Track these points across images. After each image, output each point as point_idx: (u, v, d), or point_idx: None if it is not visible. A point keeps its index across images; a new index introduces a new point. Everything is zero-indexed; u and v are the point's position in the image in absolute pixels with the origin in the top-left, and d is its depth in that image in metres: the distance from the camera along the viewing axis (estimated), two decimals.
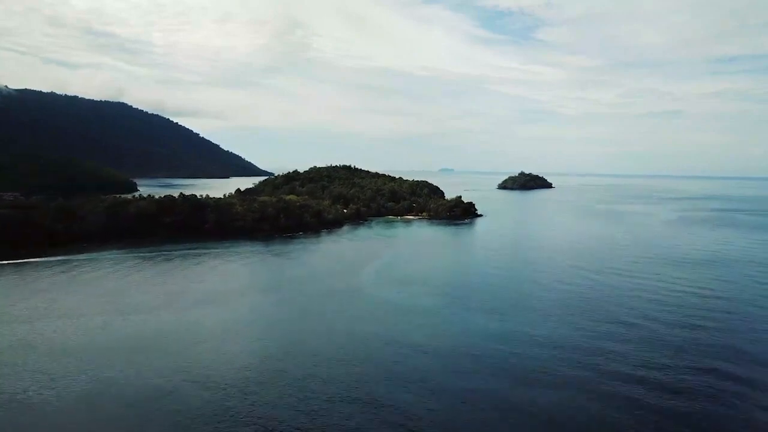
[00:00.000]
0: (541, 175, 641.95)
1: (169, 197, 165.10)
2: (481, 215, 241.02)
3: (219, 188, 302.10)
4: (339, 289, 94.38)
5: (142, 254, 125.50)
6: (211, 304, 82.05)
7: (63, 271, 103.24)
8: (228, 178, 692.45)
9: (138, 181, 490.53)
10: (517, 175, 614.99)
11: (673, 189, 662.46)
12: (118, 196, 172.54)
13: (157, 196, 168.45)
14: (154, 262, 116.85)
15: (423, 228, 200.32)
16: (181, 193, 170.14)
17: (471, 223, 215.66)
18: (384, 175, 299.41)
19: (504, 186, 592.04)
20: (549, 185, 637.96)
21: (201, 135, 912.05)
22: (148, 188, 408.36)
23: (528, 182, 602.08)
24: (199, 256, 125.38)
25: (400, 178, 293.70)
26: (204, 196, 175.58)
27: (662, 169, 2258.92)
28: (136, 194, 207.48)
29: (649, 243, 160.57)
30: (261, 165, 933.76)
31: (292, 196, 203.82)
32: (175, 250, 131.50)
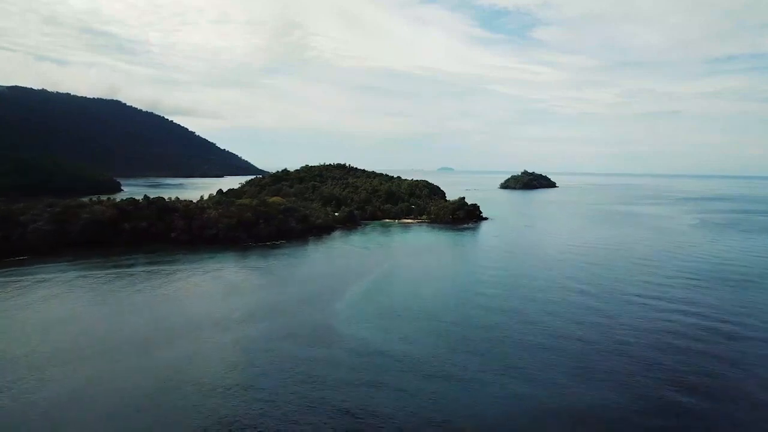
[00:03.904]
0: (544, 174, 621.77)
1: (132, 200, 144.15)
2: (486, 218, 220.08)
3: (209, 188, 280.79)
4: (310, 323, 73.39)
5: (85, 270, 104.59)
6: (141, 350, 61.24)
7: None
8: (222, 177, 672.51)
9: (127, 181, 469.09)
10: (519, 174, 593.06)
11: (676, 188, 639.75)
12: (73, 199, 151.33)
13: (119, 199, 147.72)
14: (94, 282, 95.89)
15: (423, 234, 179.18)
16: (145, 195, 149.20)
17: (476, 228, 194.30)
18: (381, 174, 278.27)
19: (506, 185, 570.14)
20: (553, 184, 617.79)
21: (197, 134, 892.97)
22: (134, 188, 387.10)
23: (531, 182, 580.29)
24: (154, 273, 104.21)
25: (398, 177, 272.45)
26: (173, 198, 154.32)
27: (661, 169, 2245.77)
28: (121, 195, 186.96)
29: (683, 256, 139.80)
30: (259, 165, 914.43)
31: (276, 198, 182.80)
32: (129, 265, 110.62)
